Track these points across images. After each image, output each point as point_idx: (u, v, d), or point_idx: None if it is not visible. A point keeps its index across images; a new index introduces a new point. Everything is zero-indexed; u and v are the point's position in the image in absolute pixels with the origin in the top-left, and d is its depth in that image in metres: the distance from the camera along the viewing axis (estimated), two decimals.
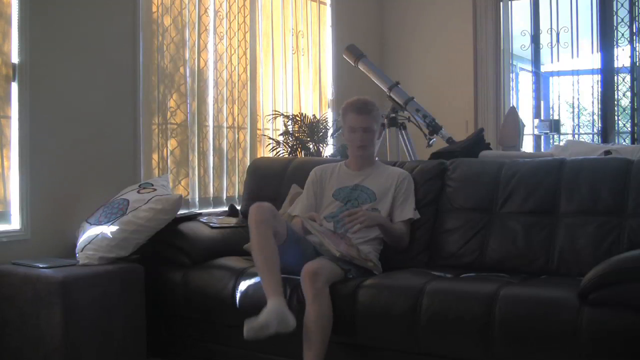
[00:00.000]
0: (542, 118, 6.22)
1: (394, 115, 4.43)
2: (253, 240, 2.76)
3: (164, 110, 4.08)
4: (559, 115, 6.32)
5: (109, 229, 3.13)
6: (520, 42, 6.00)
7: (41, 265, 2.98)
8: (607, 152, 3.64)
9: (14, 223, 3.25)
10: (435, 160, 3.48)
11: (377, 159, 3.36)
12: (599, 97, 5.74)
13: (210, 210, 4.28)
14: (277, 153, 4.74)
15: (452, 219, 3.21)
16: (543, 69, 6.37)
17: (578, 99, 6.35)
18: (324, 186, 3.27)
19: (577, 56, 5.97)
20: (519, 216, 3.06)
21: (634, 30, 5.42)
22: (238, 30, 4.62)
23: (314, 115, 5.11)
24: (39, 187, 3.29)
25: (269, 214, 2.79)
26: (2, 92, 3.21)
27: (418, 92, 4.57)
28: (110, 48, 3.68)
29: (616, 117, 5.68)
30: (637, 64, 5.41)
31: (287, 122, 4.92)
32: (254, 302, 2.78)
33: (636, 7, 5.40)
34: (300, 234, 3.01)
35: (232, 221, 3.64)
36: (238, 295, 2.98)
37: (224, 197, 4.48)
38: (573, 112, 6.66)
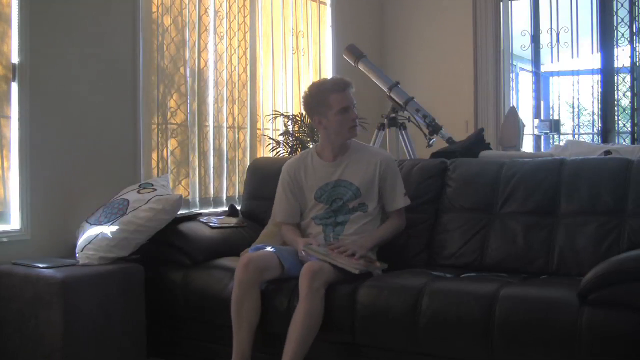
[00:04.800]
0: (542, 118, 6.22)
1: (394, 115, 4.43)
2: (233, 296, 2.79)
3: (164, 110, 4.08)
4: (559, 115, 6.33)
5: (109, 229, 3.13)
6: (520, 42, 5.99)
7: (41, 265, 2.97)
8: (607, 152, 3.64)
9: (14, 223, 3.24)
10: (436, 159, 3.48)
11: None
12: (599, 97, 5.74)
13: (211, 210, 4.28)
14: (277, 153, 4.74)
15: (452, 219, 3.20)
16: (543, 69, 6.37)
17: (578, 99, 6.35)
18: (301, 185, 3.12)
19: (577, 56, 5.98)
20: (519, 216, 3.06)
21: (634, 30, 5.41)
22: (238, 30, 4.63)
23: None
24: (38, 187, 3.29)
25: (254, 273, 2.77)
26: (2, 92, 3.21)
27: (418, 92, 4.56)
28: (110, 48, 3.68)
29: (616, 117, 5.68)
30: (637, 64, 5.41)
31: (287, 122, 4.92)
32: None
33: (636, 7, 5.40)
34: (293, 245, 2.99)
35: (232, 221, 3.63)
36: None
37: (224, 197, 4.48)
38: (573, 112, 6.67)
